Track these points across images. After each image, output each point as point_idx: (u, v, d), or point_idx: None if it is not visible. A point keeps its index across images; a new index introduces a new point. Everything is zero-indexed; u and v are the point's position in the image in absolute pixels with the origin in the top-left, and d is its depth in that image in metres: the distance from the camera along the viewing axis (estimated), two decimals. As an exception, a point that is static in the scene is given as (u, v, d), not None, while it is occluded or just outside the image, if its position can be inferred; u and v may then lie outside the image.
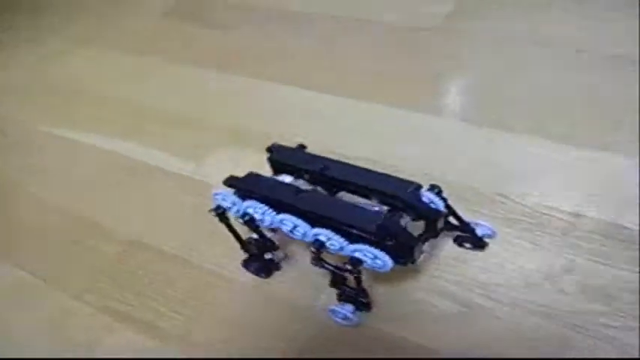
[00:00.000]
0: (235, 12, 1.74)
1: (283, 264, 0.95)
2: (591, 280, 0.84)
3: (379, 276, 0.83)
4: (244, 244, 0.93)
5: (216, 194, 0.89)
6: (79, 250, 1.07)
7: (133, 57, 1.65)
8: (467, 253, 0.90)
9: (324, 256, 0.80)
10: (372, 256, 0.76)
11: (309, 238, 0.80)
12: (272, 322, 0.89)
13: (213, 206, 0.89)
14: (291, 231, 0.83)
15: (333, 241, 0.78)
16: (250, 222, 0.86)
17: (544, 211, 0.94)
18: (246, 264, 0.95)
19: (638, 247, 0.86)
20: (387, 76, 1.34)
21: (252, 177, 0.89)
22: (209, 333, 0.89)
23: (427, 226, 0.82)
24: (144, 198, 1.14)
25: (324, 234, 0.78)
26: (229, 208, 0.88)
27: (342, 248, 0.78)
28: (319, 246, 0.79)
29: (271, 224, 0.85)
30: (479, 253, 0.89)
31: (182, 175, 1.17)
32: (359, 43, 1.47)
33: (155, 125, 1.34)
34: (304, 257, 0.92)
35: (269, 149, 0.93)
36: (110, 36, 1.79)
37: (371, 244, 0.76)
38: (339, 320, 0.84)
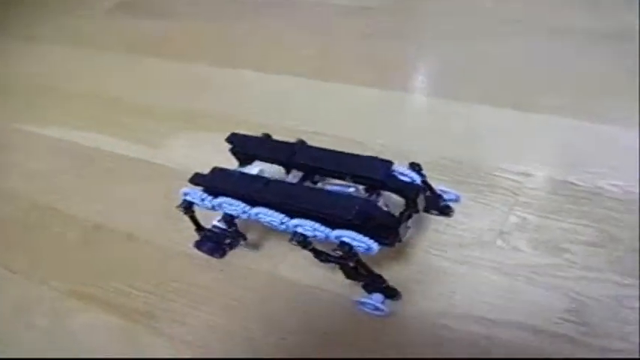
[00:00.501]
0: (183, 2, 1.75)
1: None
2: (542, 235, 0.86)
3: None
4: (204, 230, 0.94)
5: (185, 193, 0.89)
6: (43, 237, 1.07)
7: (85, 51, 1.66)
8: (424, 217, 0.91)
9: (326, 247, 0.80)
10: (356, 241, 0.75)
11: (290, 229, 0.80)
12: (233, 293, 0.90)
13: (179, 203, 0.89)
14: (269, 223, 0.82)
15: (318, 231, 0.77)
16: (227, 217, 0.86)
17: (495, 173, 0.97)
18: (199, 245, 0.96)
19: (585, 201, 0.89)
20: (341, 57, 1.35)
21: (218, 172, 0.88)
22: (174, 309, 0.90)
23: (407, 202, 0.81)
24: (105, 184, 1.15)
25: (307, 225, 0.78)
26: (199, 204, 0.88)
27: (327, 237, 0.77)
28: (302, 239, 0.78)
29: (248, 218, 0.84)
30: (432, 216, 0.91)
31: (142, 160, 1.18)
32: (310, 25, 1.49)
33: (114, 115, 1.35)
34: (257, 229, 0.94)
35: (229, 140, 0.92)
36: (60, 32, 1.80)
37: (353, 228, 0.75)
38: (371, 311, 0.82)
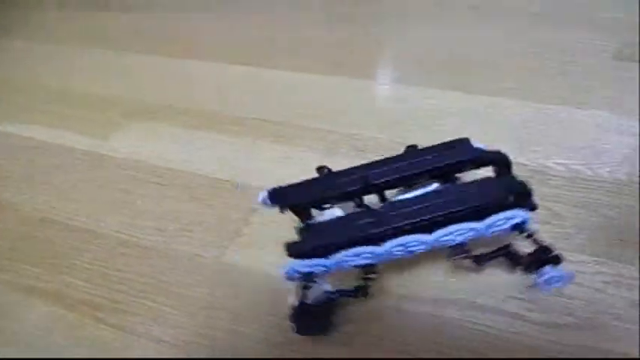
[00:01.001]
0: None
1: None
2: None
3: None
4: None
5: (291, 271, 0.71)
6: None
7: (34, 43, 1.63)
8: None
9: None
10: (517, 218, 0.69)
11: (442, 243, 0.70)
12: (180, 282, 0.89)
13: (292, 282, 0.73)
14: (409, 252, 0.70)
15: (471, 230, 0.69)
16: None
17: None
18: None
19: (532, 180, 0.89)
20: (293, 44, 1.37)
21: (308, 232, 0.73)
22: (120, 300, 0.88)
23: (500, 170, 0.76)
24: (50, 176, 1.13)
25: (455, 231, 0.68)
26: (318, 271, 0.71)
27: (480, 231, 0.69)
28: (461, 248, 0.70)
29: (381, 258, 0.71)
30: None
31: (88, 152, 1.17)
32: (265, 14, 1.48)
33: (61, 106, 1.33)
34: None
35: (272, 200, 0.78)
36: (8, 24, 1.75)
37: (496, 210, 0.69)
38: (556, 284, 0.74)
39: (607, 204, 0.86)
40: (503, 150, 0.85)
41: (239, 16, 1.53)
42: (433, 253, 0.73)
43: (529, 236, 0.71)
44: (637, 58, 1.12)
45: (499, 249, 0.74)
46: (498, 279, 0.79)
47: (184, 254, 0.92)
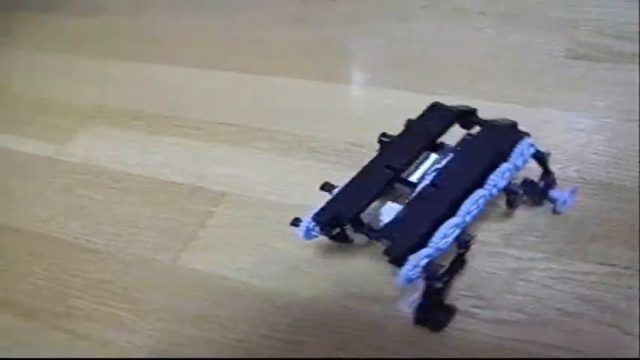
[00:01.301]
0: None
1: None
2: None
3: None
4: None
5: (409, 274, 0.69)
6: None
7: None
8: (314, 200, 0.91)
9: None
10: (525, 148, 0.79)
11: (492, 192, 0.76)
12: (135, 285, 0.89)
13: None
14: (478, 206, 0.75)
15: (508, 172, 0.77)
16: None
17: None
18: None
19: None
20: (251, 48, 1.37)
21: (392, 232, 0.73)
22: (76, 305, 0.88)
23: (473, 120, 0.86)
24: (7, 181, 1.12)
25: (495, 178, 0.75)
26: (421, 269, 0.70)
27: (513, 168, 0.78)
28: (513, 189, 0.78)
29: (463, 224, 0.73)
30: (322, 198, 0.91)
31: (45, 157, 1.16)
32: (223, 17, 1.49)
33: (18, 111, 1.31)
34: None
35: (317, 222, 0.77)
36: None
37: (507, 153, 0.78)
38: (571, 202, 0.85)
39: (557, 201, 0.87)
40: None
41: (200, 20, 1.52)
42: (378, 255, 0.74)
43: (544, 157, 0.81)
44: (590, 57, 1.14)
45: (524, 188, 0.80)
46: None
47: (140, 259, 0.92)
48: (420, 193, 0.76)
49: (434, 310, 0.74)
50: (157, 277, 0.89)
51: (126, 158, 1.10)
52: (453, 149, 0.81)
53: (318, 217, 0.76)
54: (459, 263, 0.75)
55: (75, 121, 1.24)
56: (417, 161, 0.83)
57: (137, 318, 0.84)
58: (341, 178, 0.81)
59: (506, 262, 0.81)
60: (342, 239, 0.80)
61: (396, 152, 0.82)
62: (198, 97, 1.24)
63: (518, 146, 0.77)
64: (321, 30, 1.37)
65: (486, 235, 0.84)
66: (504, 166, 0.76)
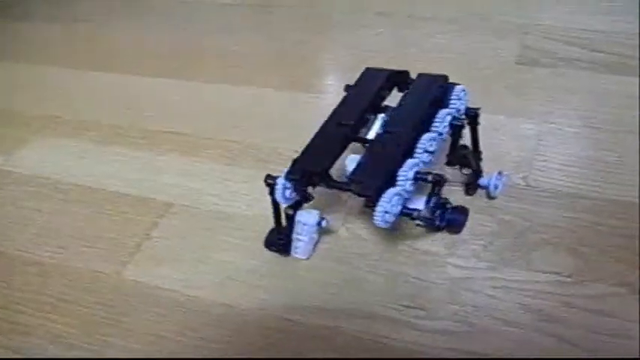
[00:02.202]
0: (35, 3, 1.70)
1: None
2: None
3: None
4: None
5: (385, 215, 0.73)
6: None
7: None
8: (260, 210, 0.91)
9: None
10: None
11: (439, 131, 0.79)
12: (81, 300, 0.87)
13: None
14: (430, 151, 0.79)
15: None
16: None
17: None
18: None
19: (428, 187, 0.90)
20: (190, 54, 1.36)
21: (363, 177, 0.75)
22: (20, 321, 0.86)
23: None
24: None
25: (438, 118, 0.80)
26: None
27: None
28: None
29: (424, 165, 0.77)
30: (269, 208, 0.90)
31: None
32: (166, 24, 1.48)
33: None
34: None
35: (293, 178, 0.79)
36: None
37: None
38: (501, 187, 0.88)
39: (503, 208, 0.87)
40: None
41: (148, 28, 1.51)
42: (332, 262, 0.79)
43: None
44: (541, 63, 1.14)
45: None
46: (389, 287, 0.80)
47: (84, 271, 0.91)
48: (375, 140, 0.80)
49: (449, 215, 0.80)
50: (101, 290, 0.87)
51: (75, 169, 1.08)
52: (396, 106, 0.83)
53: (290, 175, 0.78)
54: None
55: (25, 131, 1.22)
56: (368, 124, 0.84)
57: (79, 332, 0.82)
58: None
59: (450, 271, 0.81)
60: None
61: (346, 111, 0.84)
62: (146, 105, 1.22)
63: (454, 91, 0.82)
64: (276, 38, 1.37)
65: (430, 244, 0.84)
66: (444, 111, 0.80)
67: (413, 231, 0.85)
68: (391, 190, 0.72)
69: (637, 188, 0.87)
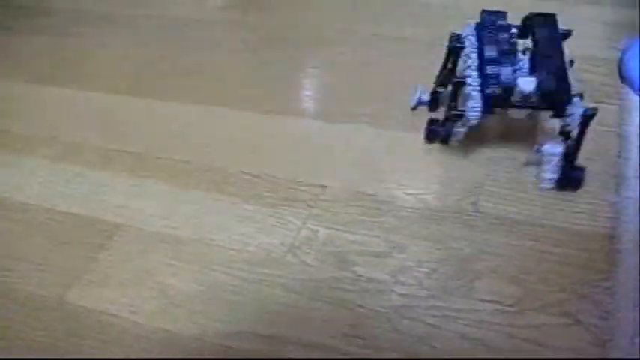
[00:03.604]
0: (21, 17, 1.69)
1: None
2: (331, 249, 0.87)
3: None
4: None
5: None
6: None
7: None
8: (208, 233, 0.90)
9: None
10: None
11: None
12: (20, 323, 0.86)
13: None
14: None
15: None
16: None
17: (290, 186, 0.96)
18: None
19: (377, 212, 0.90)
20: (162, 72, 1.36)
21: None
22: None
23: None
24: None
25: None
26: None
27: None
28: None
29: None
30: (217, 232, 0.89)
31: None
32: (133, 40, 1.47)
33: None
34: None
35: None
36: None
37: None
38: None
39: (450, 235, 0.87)
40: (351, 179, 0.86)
41: (119, 43, 1.50)
42: (276, 289, 0.79)
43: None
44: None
45: None
46: (330, 315, 0.79)
47: (29, 295, 0.89)
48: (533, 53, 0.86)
49: (571, 172, 0.87)
50: (43, 314, 0.86)
51: (26, 189, 1.07)
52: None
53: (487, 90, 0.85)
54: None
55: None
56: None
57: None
58: (241, 211, 0.88)
59: (393, 299, 0.80)
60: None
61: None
62: (103, 123, 1.21)
63: None
64: (231, 56, 1.36)
65: (374, 270, 0.83)
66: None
67: (360, 258, 0.84)
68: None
69: (582, 216, 0.87)
